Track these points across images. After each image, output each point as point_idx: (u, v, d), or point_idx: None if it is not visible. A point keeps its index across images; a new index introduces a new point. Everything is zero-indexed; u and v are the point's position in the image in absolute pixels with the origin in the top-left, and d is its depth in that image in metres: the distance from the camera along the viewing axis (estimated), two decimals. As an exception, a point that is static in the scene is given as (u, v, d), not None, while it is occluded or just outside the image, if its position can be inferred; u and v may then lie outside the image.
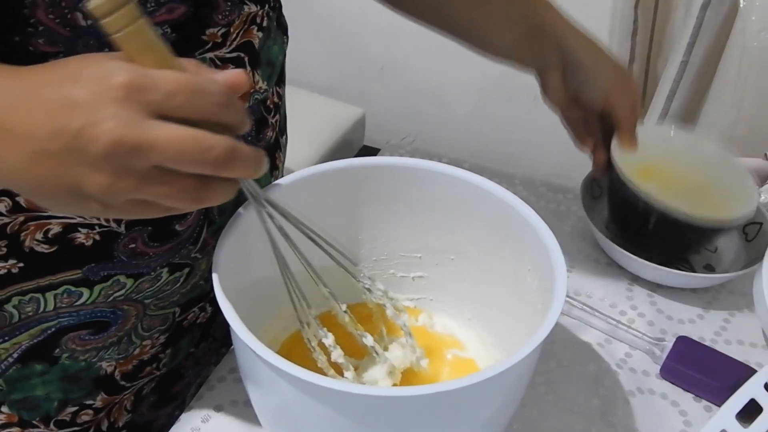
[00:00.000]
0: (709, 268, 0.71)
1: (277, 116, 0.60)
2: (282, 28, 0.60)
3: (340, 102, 1.69)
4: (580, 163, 0.73)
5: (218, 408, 0.56)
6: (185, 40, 0.47)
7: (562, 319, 0.65)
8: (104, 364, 0.55)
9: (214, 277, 0.44)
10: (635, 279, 0.69)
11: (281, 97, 0.62)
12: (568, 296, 0.66)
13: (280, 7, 0.59)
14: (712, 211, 0.65)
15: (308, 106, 1.63)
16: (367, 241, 0.56)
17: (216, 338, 0.64)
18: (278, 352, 0.39)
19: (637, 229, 0.68)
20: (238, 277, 0.46)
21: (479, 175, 0.52)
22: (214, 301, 0.59)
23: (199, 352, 0.63)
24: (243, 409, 0.55)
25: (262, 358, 0.39)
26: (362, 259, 0.57)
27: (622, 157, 0.65)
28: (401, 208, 0.54)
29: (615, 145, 0.65)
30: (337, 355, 0.47)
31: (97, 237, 0.48)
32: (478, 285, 0.56)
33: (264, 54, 0.55)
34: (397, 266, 0.58)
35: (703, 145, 0.72)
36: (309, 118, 1.57)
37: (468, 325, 0.58)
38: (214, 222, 0.55)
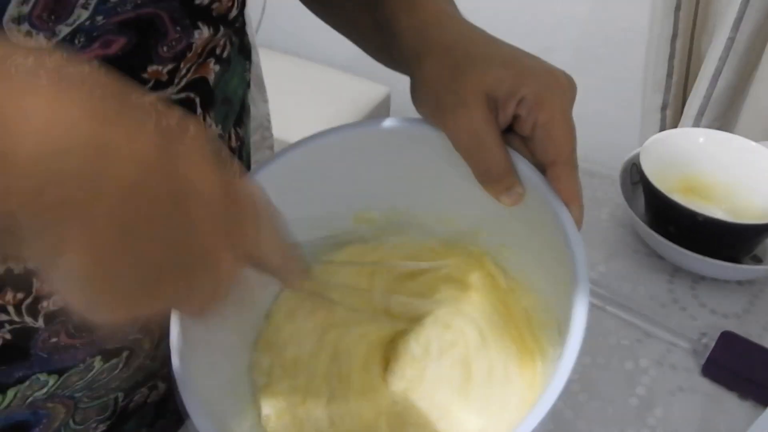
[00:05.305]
0: (756, 259, 0.67)
1: (238, 162, 0.52)
2: (245, 51, 0.51)
3: (363, 79, 1.59)
4: (617, 147, 0.70)
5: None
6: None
7: (598, 312, 0.62)
8: None
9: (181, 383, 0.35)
10: (677, 270, 0.66)
11: (242, 138, 0.53)
12: (604, 289, 0.64)
13: (244, 24, 0.49)
14: (758, 212, 0.64)
15: (328, 84, 1.55)
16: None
17: (175, 412, 0.56)
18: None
19: (683, 239, 0.65)
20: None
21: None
22: (167, 378, 0.54)
23: (155, 431, 0.57)
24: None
25: None
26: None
27: (655, 174, 0.65)
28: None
29: (644, 162, 0.65)
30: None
31: (8, 336, 0.40)
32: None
33: (220, 91, 0.47)
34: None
35: (735, 144, 0.70)
36: (329, 98, 1.50)
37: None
38: None
